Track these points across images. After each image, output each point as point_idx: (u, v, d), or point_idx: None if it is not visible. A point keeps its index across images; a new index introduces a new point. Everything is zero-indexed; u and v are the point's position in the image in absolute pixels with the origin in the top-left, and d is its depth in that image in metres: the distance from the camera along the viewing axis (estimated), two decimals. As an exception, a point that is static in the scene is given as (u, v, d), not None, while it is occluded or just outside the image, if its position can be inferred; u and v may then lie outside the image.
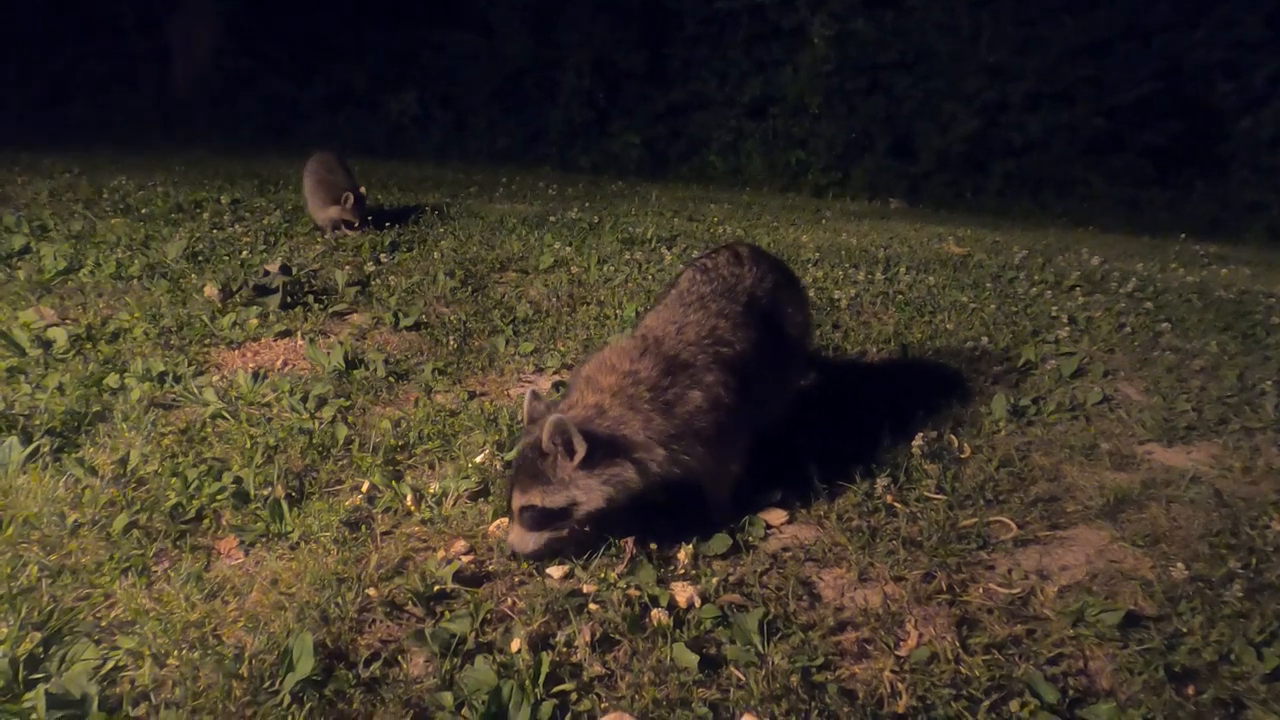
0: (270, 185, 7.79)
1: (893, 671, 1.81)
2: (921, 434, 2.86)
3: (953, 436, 2.91)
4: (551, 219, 6.67)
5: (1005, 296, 4.95)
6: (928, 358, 3.83)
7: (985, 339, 3.99)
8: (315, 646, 1.75)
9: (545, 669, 1.74)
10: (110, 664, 1.76)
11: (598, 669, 1.79)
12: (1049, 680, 1.78)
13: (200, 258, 4.91)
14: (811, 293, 4.73)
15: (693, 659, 1.79)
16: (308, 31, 14.25)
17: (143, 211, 6.19)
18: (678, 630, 1.91)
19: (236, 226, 5.84)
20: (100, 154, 9.81)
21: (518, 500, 2.09)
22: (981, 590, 2.10)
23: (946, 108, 12.02)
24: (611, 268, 5.10)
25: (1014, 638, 1.93)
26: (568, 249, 5.52)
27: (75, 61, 14.39)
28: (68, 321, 3.71)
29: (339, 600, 1.96)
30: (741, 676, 1.78)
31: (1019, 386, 3.47)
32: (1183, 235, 9.31)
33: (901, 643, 1.90)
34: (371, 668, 1.78)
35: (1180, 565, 2.15)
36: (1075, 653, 1.89)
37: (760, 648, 1.85)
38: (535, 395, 2.23)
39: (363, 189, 5.80)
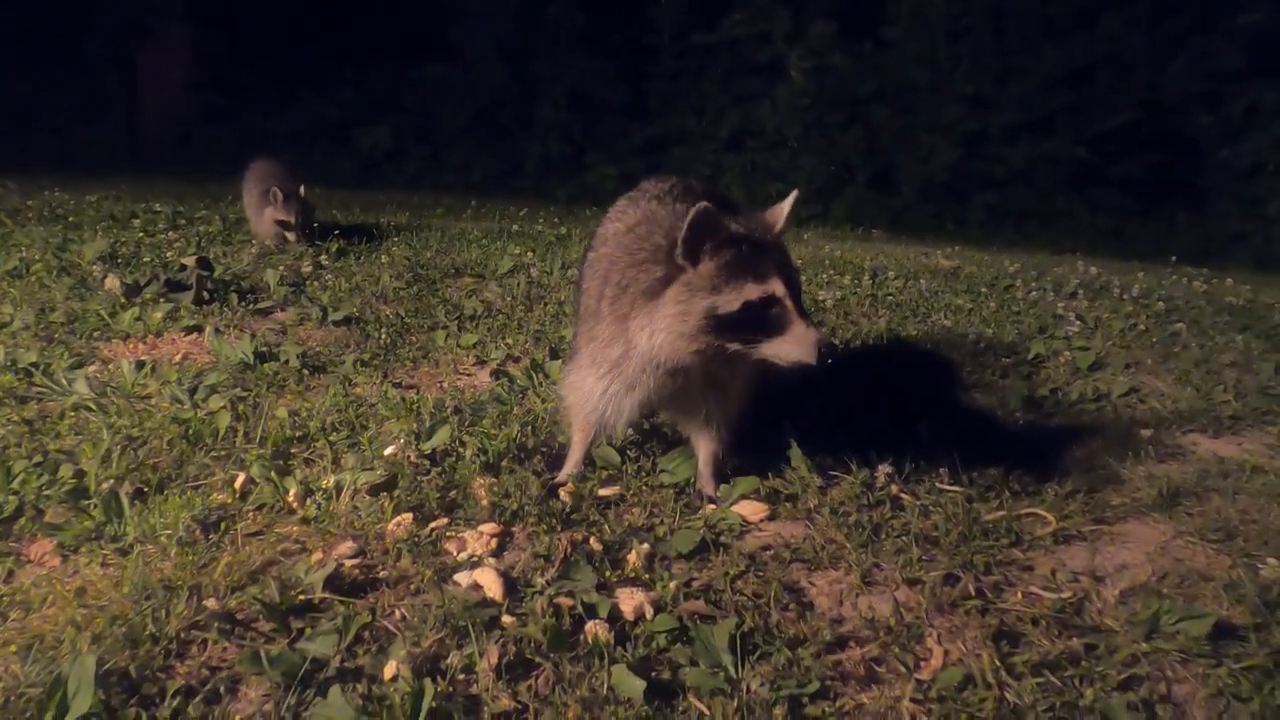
0: (219, 201, 7.33)
1: (914, 700, 1.31)
2: (926, 420, 2.40)
3: (964, 423, 2.45)
4: (515, 228, 6.26)
5: (1005, 299, 4.54)
6: (926, 349, 3.39)
7: (990, 332, 3.56)
8: (103, 676, 1.24)
9: (428, 701, 1.23)
10: None
11: (505, 702, 1.29)
12: (1129, 709, 1.29)
13: (120, 260, 4.42)
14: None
15: (637, 685, 1.29)
16: (281, 65, 13.99)
17: (70, 220, 5.71)
18: (620, 648, 1.41)
19: (171, 233, 5.36)
20: (50, 179, 9.32)
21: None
22: (1021, 595, 1.62)
23: (926, 139, 11.85)
24: (576, 273, 4.66)
25: (1071, 655, 1.44)
26: (530, 254, 5.09)
27: (38, 92, 13.99)
28: (-64, 314, 3.20)
29: (161, 615, 1.45)
30: (705, 709, 1.28)
31: (1032, 379, 3.03)
32: (1173, 258, 9.04)
33: (923, 662, 1.42)
34: (185, 703, 1.26)
35: (1272, 562, 1.68)
36: (1154, 673, 1.41)
37: (731, 670, 1.35)
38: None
39: (303, 189, 5.03)
